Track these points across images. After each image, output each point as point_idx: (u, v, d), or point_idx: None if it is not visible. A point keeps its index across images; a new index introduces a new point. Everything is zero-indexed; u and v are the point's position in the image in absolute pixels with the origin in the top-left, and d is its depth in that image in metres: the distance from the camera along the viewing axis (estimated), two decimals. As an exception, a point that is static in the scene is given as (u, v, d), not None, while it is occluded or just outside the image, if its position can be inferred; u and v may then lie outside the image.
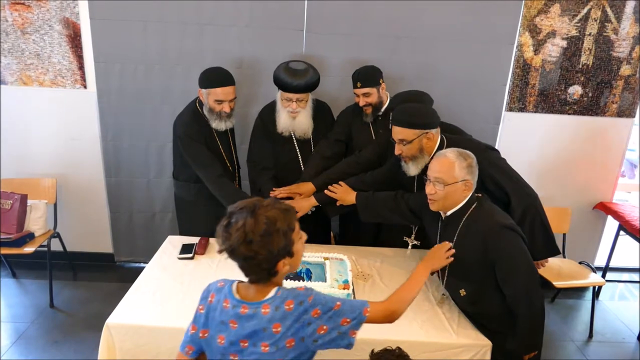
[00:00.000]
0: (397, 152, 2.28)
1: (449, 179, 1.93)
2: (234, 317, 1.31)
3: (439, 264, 1.86)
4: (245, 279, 1.36)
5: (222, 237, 1.27)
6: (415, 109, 2.26)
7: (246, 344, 1.30)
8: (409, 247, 2.47)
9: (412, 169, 2.28)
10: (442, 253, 1.88)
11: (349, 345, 1.34)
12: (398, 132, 2.23)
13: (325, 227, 3.01)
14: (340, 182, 2.54)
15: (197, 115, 2.63)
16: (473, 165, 1.96)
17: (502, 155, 2.35)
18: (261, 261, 1.26)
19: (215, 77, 2.54)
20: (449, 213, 2.04)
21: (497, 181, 2.18)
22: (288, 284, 2.05)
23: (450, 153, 1.97)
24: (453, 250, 1.90)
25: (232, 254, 1.26)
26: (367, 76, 2.64)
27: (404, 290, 1.57)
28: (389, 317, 1.47)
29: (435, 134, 2.25)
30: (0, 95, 3.28)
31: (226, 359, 1.33)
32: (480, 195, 2.04)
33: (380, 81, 2.67)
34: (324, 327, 1.30)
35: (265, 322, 1.28)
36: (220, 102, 2.55)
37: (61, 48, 3.20)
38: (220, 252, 1.29)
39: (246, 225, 1.23)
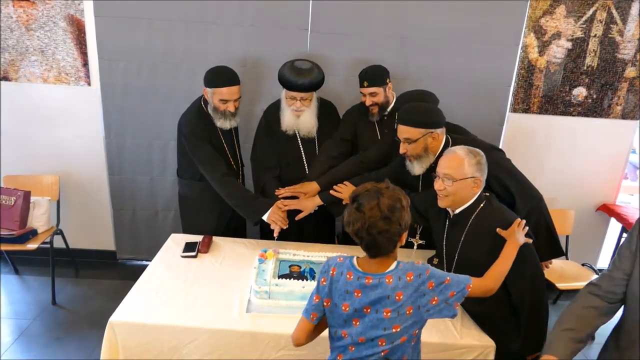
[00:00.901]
0: (401, 151, 2.28)
1: (458, 175, 1.93)
2: (359, 287, 1.46)
3: (522, 238, 1.87)
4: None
5: (354, 218, 1.41)
6: (421, 108, 2.27)
7: (369, 310, 1.45)
8: (415, 247, 2.47)
9: (417, 168, 2.28)
10: (520, 229, 1.88)
11: (454, 316, 1.51)
12: (403, 131, 2.24)
13: (330, 227, 3.01)
14: (345, 182, 2.53)
15: (202, 113, 2.63)
16: (482, 162, 1.96)
17: (507, 156, 2.34)
18: (393, 234, 1.41)
19: (220, 77, 2.54)
20: (457, 211, 2.03)
21: (502, 181, 2.17)
22: (289, 283, 2.06)
23: (459, 150, 1.97)
24: (527, 228, 1.90)
25: (368, 230, 1.39)
26: (374, 76, 2.63)
27: (499, 268, 1.75)
28: (486, 293, 1.66)
29: (441, 134, 2.25)
30: (1, 92, 3.29)
31: (349, 324, 1.49)
32: (488, 194, 2.04)
33: (387, 81, 2.67)
34: (436, 299, 1.46)
35: (390, 290, 1.43)
36: (225, 102, 2.55)
37: (65, 45, 3.20)
38: (354, 232, 1.42)
39: (380, 204, 1.39)
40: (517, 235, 1.85)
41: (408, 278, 1.44)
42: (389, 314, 1.43)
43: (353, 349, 1.50)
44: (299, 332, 1.56)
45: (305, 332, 1.55)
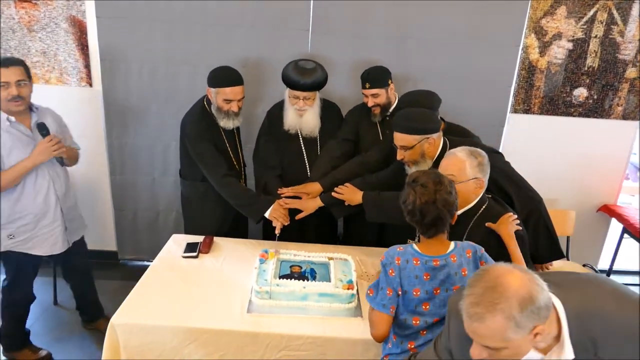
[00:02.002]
0: (399, 157, 2.28)
1: (460, 177, 1.93)
2: (427, 270, 1.57)
3: (512, 227, 1.91)
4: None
5: (420, 193, 1.55)
6: (415, 114, 2.26)
7: (439, 291, 1.57)
8: None
9: (415, 173, 2.28)
10: (509, 220, 1.92)
11: None
12: (399, 138, 2.24)
13: (331, 227, 3.01)
14: (346, 184, 2.53)
15: (205, 114, 2.64)
16: (484, 163, 1.96)
17: (507, 157, 2.34)
18: (452, 208, 1.57)
19: (224, 77, 2.55)
20: (459, 212, 2.03)
21: (501, 185, 2.17)
22: (290, 283, 2.06)
23: (460, 152, 1.97)
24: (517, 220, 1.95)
25: (434, 203, 1.53)
26: (376, 77, 2.64)
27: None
28: None
29: (437, 139, 2.25)
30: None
31: (418, 310, 1.59)
32: (490, 196, 2.04)
33: (389, 82, 2.67)
34: None
35: (456, 267, 1.57)
36: (228, 102, 2.56)
37: (67, 46, 3.21)
38: (419, 206, 1.54)
39: (443, 182, 1.56)
40: (507, 225, 1.89)
41: (468, 254, 1.59)
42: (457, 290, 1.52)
43: (425, 332, 1.59)
44: (384, 328, 1.59)
45: (388, 326, 1.60)
